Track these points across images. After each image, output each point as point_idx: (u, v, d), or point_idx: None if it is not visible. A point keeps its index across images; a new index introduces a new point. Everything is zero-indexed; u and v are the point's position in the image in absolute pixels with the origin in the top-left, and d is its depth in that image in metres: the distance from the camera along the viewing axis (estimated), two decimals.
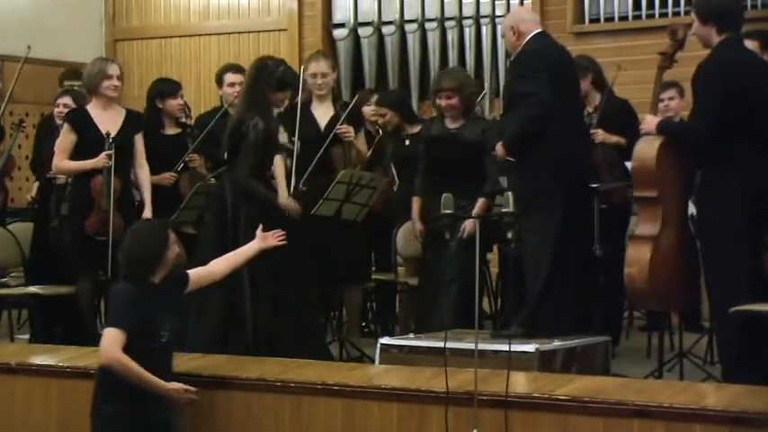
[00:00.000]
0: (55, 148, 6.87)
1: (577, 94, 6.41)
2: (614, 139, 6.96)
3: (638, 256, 5.61)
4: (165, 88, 7.44)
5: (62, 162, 6.83)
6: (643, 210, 5.73)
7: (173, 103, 7.33)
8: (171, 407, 4.88)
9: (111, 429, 4.81)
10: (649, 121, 5.66)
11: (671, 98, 7.33)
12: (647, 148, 5.63)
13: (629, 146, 6.89)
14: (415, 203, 6.93)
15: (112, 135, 6.71)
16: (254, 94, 6.37)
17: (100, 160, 6.67)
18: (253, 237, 5.50)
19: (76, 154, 6.79)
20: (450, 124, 6.79)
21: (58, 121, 7.37)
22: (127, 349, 4.72)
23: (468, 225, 6.44)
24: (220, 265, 5.31)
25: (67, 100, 7.54)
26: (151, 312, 4.82)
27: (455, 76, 7.01)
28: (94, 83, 6.84)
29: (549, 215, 5.95)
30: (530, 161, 6.03)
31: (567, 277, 6.02)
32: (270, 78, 6.35)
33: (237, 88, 7.17)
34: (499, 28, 9.99)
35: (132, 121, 6.94)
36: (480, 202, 6.60)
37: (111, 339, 4.73)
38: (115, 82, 6.88)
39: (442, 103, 6.76)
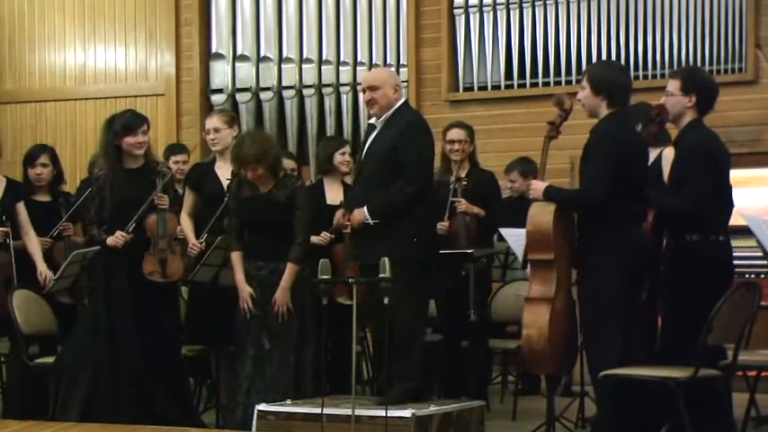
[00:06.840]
0: None
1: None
2: (476, 209, 7.16)
3: (536, 318, 5.58)
4: (29, 155, 7.25)
5: None
6: (537, 272, 5.69)
7: (32, 171, 7.17)
8: None
9: None
10: (537, 187, 5.67)
11: None
12: (541, 212, 5.63)
13: (487, 217, 7.13)
14: (238, 261, 6.40)
15: None
16: (103, 151, 6.56)
17: None
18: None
19: None
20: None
21: None
22: None
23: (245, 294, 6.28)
24: None
25: None
26: None
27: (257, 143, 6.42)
28: None
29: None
30: (403, 230, 6.07)
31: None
32: (117, 128, 6.45)
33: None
34: None
35: (12, 189, 6.84)
36: (290, 267, 6.28)
37: None
38: None
39: (249, 174, 6.32)
